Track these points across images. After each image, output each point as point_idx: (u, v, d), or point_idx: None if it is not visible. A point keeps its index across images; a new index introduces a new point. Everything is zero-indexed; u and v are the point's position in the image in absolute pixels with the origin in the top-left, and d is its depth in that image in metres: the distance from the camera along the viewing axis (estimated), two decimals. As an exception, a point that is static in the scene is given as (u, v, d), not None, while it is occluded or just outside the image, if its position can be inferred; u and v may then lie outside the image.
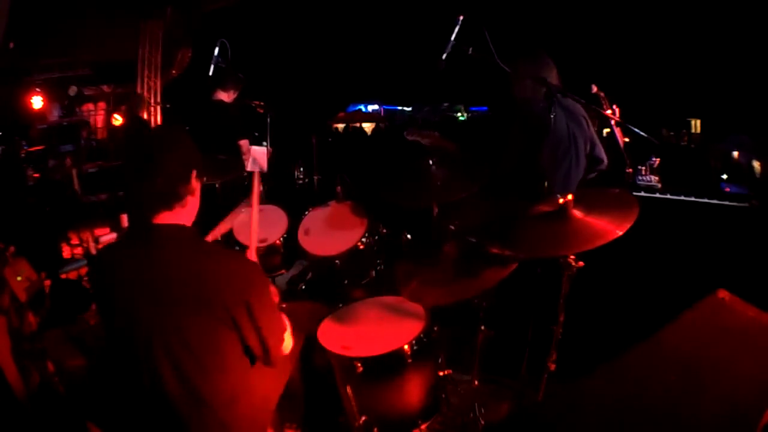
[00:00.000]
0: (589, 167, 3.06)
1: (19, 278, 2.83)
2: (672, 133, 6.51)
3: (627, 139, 3.02)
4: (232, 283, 1.50)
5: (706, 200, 3.37)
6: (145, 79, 8.68)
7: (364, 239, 2.88)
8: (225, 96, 4.39)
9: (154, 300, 1.47)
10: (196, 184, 1.60)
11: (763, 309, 1.20)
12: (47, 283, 3.45)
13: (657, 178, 3.64)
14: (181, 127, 1.67)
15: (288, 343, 1.73)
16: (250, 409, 1.62)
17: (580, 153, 2.94)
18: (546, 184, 2.63)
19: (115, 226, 4.31)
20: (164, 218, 1.55)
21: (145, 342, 1.48)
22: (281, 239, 3.14)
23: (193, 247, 1.57)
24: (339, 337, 2.17)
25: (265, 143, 4.59)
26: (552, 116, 2.75)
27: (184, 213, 1.59)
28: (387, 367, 2.04)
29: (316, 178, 4.92)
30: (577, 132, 2.87)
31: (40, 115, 8.05)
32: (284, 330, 1.71)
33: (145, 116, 8.19)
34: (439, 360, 2.18)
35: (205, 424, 1.53)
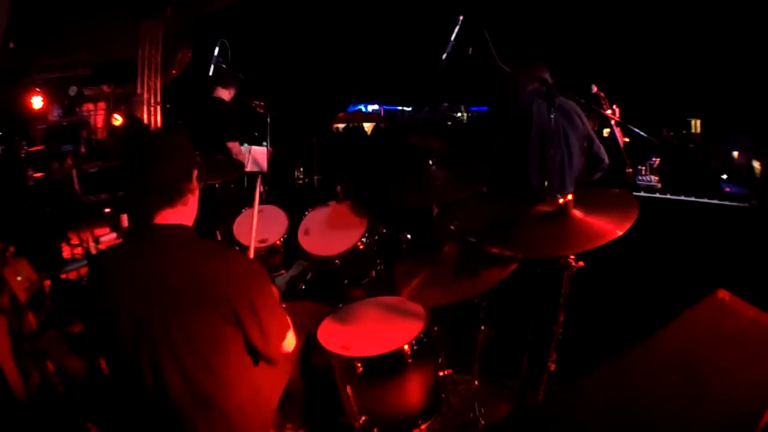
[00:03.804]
0: (590, 167, 3.05)
1: (19, 278, 2.82)
2: (672, 133, 6.52)
3: (627, 139, 3.02)
4: (235, 280, 1.52)
5: (706, 200, 3.36)
6: (145, 79, 8.70)
7: (364, 239, 2.88)
8: (225, 93, 4.37)
9: (158, 300, 1.48)
10: (196, 185, 1.63)
11: (763, 309, 1.19)
12: (47, 283, 3.44)
13: (657, 178, 3.64)
14: (181, 130, 1.70)
15: (290, 341, 1.74)
16: (254, 409, 1.63)
17: (573, 149, 2.93)
18: (546, 183, 2.63)
19: (115, 226, 4.30)
20: (165, 217, 1.56)
21: (148, 342, 1.47)
22: (281, 239, 3.14)
23: (195, 246, 1.59)
24: (339, 337, 2.17)
25: (265, 143, 4.60)
26: (534, 107, 2.79)
27: (185, 212, 1.61)
28: (387, 367, 2.04)
29: (316, 178, 4.93)
30: (569, 128, 2.87)
31: (40, 115, 8.06)
32: (286, 327, 1.72)
33: (145, 116, 8.21)
34: (439, 360, 2.18)
35: (209, 423, 1.53)
